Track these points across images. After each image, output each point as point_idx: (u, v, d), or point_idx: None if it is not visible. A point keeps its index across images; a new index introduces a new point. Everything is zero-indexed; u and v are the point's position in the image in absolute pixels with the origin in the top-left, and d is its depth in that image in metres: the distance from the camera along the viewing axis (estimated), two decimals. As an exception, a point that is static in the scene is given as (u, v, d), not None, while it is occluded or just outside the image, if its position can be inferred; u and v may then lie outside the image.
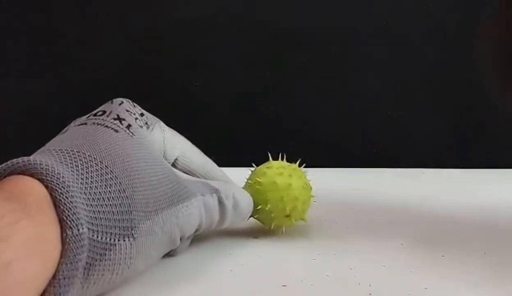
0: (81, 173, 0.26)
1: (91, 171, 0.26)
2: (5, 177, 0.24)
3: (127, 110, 0.33)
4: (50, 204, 0.23)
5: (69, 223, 0.23)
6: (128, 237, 0.26)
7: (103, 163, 0.27)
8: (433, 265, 0.34)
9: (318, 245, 0.37)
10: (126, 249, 0.26)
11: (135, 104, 0.35)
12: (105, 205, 0.26)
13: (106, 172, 0.27)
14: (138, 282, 0.30)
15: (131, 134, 0.31)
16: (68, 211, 0.23)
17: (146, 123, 0.34)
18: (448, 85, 0.71)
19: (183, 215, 0.31)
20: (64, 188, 0.24)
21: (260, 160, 0.41)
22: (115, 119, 0.32)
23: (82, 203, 0.24)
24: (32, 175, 0.24)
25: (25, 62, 0.72)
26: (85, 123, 0.31)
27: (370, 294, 0.29)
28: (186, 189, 0.32)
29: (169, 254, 0.33)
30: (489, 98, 0.42)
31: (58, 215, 0.23)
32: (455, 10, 0.70)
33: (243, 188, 0.39)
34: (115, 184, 0.27)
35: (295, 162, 0.40)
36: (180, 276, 0.32)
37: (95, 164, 0.27)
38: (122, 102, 0.34)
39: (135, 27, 0.72)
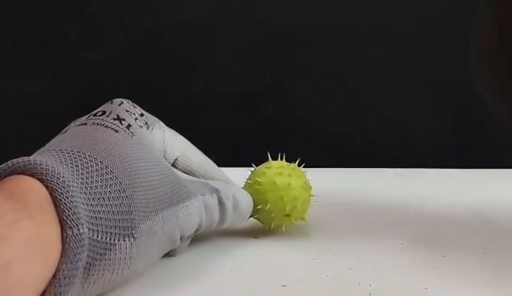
0: (81, 173, 0.26)
1: (91, 170, 0.26)
2: (5, 176, 0.24)
3: (127, 111, 0.33)
4: (50, 203, 0.23)
5: (69, 222, 0.23)
6: (128, 237, 0.26)
7: (103, 163, 0.27)
8: (433, 265, 0.34)
9: (318, 245, 0.37)
10: (126, 249, 0.26)
11: (135, 104, 0.35)
12: (105, 204, 0.26)
13: (106, 172, 0.27)
14: (138, 282, 0.30)
15: (131, 134, 0.31)
16: (68, 211, 0.23)
17: (146, 123, 0.34)
18: (448, 85, 0.71)
19: (183, 215, 0.31)
20: (64, 188, 0.24)
21: (260, 160, 0.41)
22: (115, 119, 0.32)
23: (82, 203, 0.24)
24: (32, 175, 0.24)
25: (25, 62, 0.72)
26: (85, 124, 0.31)
27: (370, 294, 0.29)
28: (186, 189, 0.32)
29: (169, 254, 0.33)
30: (485, 101, 0.42)
31: (58, 214, 0.23)
32: (455, 10, 0.70)
33: (243, 188, 0.39)
34: (115, 183, 0.27)
35: (295, 162, 0.40)
36: (180, 276, 0.32)
37: (95, 163, 0.27)
38: (122, 102, 0.34)
39: (135, 27, 0.72)
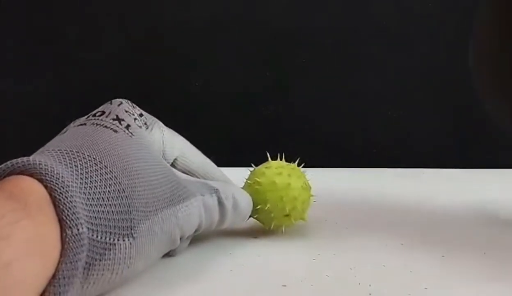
0: (81, 173, 0.26)
1: (91, 171, 0.26)
2: (5, 177, 0.24)
3: (126, 111, 0.33)
4: (50, 204, 0.23)
5: (68, 222, 0.23)
6: (128, 237, 0.26)
7: (103, 163, 0.27)
8: (433, 265, 0.34)
9: (318, 245, 0.37)
10: (125, 248, 0.26)
11: (134, 104, 0.35)
12: (105, 204, 0.26)
13: (105, 172, 0.27)
14: (138, 282, 0.30)
15: (130, 134, 0.31)
16: (68, 211, 0.23)
17: (145, 123, 0.34)
18: (448, 85, 0.71)
19: (183, 215, 0.31)
20: (63, 188, 0.24)
21: (259, 160, 0.41)
22: (114, 119, 0.32)
23: (82, 203, 0.24)
24: (31, 175, 0.24)
25: (25, 62, 0.72)
26: (85, 124, 0.31)
27: (370, 294, 0.29)
28: (185, 189, 0.32)
29: (169, 254, 0.33)
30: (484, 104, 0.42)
31: (57, 214, 0.23)
32: (455, 10, 0.70)
33: (243, 188, 0.39)
34: (114, 183, 0.27)
35: (294, 162, 0.40)
36: (180, 276, 0.32)
37: (95, 164, 0.27)
38: (121, 102, 0.34)
39: (135, 27, 0.72)
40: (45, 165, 0.24)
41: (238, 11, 0.71)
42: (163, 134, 0.36)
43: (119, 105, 0.33)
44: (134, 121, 0.33)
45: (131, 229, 0.27)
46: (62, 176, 0.24)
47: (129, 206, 0.27)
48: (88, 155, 0.27)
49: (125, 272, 0.26)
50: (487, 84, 0.40)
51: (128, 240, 0.26)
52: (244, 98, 0.72)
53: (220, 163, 0.39)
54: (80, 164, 0.26)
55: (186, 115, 0.71)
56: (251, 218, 0.39)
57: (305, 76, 0.72)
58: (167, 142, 0.36)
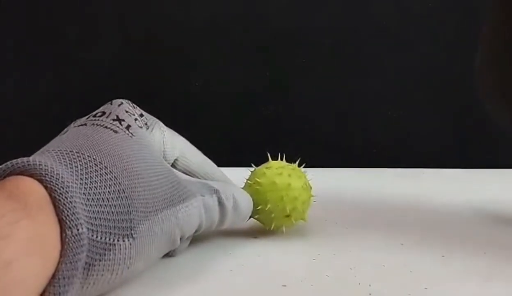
0: (81, 174, 0.26)
1: (91, 171, 0.26)
2: (5, 177, 0.24)
3: (127, 111, 0.33)
4: (50, 204, 0.23)
5: (68, 223, 0.23)
6: (128, 237, 0.26)
7: (103, 163, 0.27)
8: (433, 265, 0.34)
9: (318, 245, 0.37)
10: (125, 249, 0.26)
11: (135, 105, 0.35)
12: (105, 205, 0.26)
13: (105, 172, 0.27)
14: (138, 282, 0.30)
15: (130, 135, 0.31)
16: (67, 211, 0.23)
17: (146, 124, 0.34)
18: (448, 85, 0.71)
19: (183, 215, 0.31)
20: (63, 188, 0.24)
21: (259, 160, 0.41)
22: (114, 120, 0.32)
23: (82, 203, 0.24)
24: (31, 176, 0.24)
25: (25, 62, 0.72)
26: (85, 125, 0.31)
27: (370, 294, 0.29)
28: (186, 190, 0.32)
29: (169, 254, 0.33)
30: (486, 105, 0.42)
31: (57, 215, 0.23)
32: (455, 10, 0.70)
33: (243, 188, 0.39)
34: (114, 184, 0.27)
35: (295, 162, 0.40)
36: (180, 276, 0.32)
37: (95, 164, 0.27)
38: (122, 103, 0.34)
39: (135, 27, 0.72)
40: (45, 165, 0.24)
41: (238, 11, 0.71)
42: (164, 134, 0.35)
43: (119, 105, 0.33)
44: (135, 122, 0.33)
45: (131, 230, 0.27)
46: (62, 177, 0.24)
47: (129, 206, 0.27)
48: (88, 156, 0.27)
49: (125, 272, 0.26)
50: (490, 84, 0.40)
51: (128, 240, 0.26)
52: (244, 98, 0.72)
53: (220, 163, 0.39)
54: (80, 164, 0.26)
55: (186, 115, 0.72)
56: (251, 218, 0.39)
57: (305, 76, 0.72)
58: (167, 143, 0.36)
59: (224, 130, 0.72)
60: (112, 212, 0.26)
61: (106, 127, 0.31)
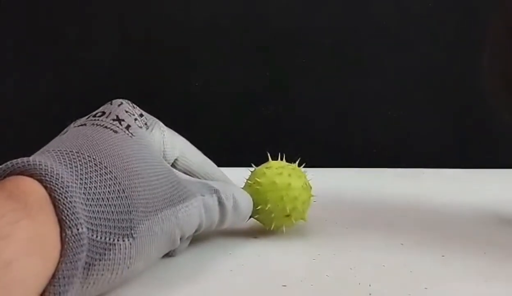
0: (80, 174, 0.26)
1: (90, 171, 0.26)
2: (5, 177, 0.24)
3: (126, 111, 0.33)
4: (50, 204, 0.23)
5: (68, 222, 0.23)
6: (128, 237, 0.26)
7: (103, 163, 0.27)
8: (433, 265, 0.34)
9: (318, 245, 0.37)
10: (125, 249, 0.26)
11: (135, 105, 0.35)
12: (104, 205, 0.26)
13: (105, 172, 0.27)
14: (138, 282, 0.30)
15: (130, 135, 0.31)
16: (67, 211, 0.23)
17: (146, 124, 0.34)
18: (448, 85, 0.71)
19: (183, 215, 0.31)
20: (63, 188, 0.24)
21: (259, 160, 0.41)
22: (114, 120, 0.32)
23: (81, 203, 0.24)
24: (31, 176, 0.24)
25: (25, 62, 0.72)
26: (85, 125, 0.31)
27: (370, 294, 0.29)
28: (186, 189, 0.32)
29: (169, 254, 0.33)
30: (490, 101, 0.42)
31: (57, 215, 0.23)
32: (455, 10, 0.70)
33: (243, 188, 0.39)
34: (114, 184, 0.27)
35: (295, 162, 0.40)
36: (180, 276, 0.32)
37: (94, 164, 0.27)
38: (122, 103, 0.34)
39: (135, 27, 0.72)
40: (45, 165, 0.24)
41: (238, 11, 0.71)
42: (164, 134, 0.35)
43: (119, 105, 0.33)
44: (135, 122, 0.33)
45: (131, 229, 0.27)
46: (62, 176, 0.24)
47: (129, 206, 0.27)
48: (88, 156, 0.27)
49: (125, 272, 0.26)
50: (498, 77, 0.40)
51: (128, 240, 0.26)
52: (244, 98, 0.72)
53: (220, 163, 0.39)
54: (80, 164, 0.26)
55: (186, 115, 0.71)
56: (251, 218, 0.39)
57: (305, 76, 0.72)
58: (167, 143, 0.36)
59: (224, 130, 0.72)
60: (112, 212, 0.26)
61: (106, 127, 0.31)
